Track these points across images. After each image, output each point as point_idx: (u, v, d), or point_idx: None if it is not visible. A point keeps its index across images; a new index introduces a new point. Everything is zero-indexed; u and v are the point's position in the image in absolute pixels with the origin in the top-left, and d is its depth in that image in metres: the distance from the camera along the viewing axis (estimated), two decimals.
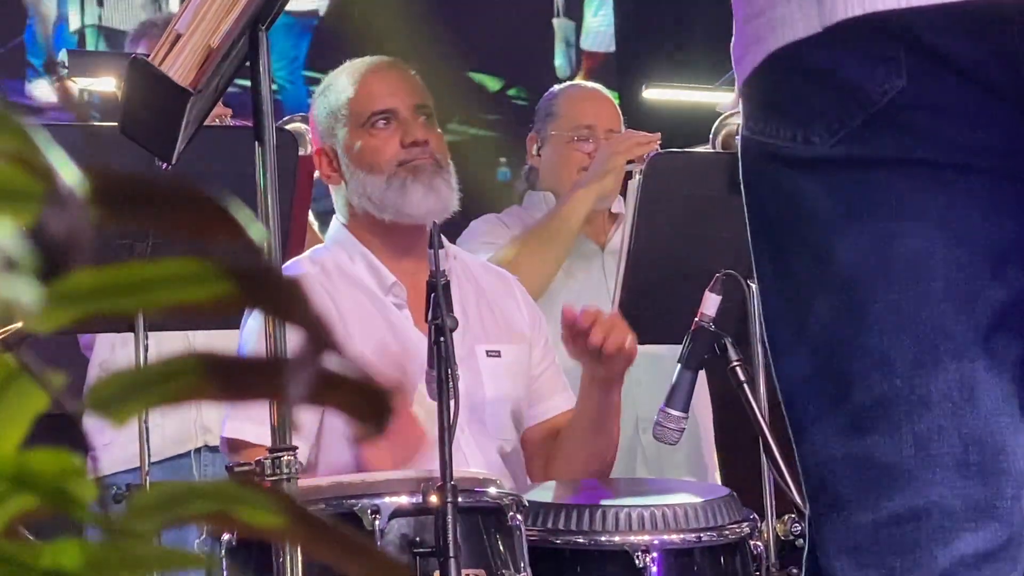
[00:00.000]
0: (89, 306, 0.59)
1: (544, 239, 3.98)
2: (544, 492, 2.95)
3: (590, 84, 4.73)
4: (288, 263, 3.28)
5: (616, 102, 4.55)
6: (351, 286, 3.20)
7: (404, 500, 2.56)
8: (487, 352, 3.22)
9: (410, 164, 3.19)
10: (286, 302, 0.63)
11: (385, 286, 3.17)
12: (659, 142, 4.07)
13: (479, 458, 3.06)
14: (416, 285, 2.99)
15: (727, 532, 2.82)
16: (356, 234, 3.25)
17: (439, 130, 3.35)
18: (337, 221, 3.32)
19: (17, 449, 0.60)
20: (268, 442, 2.93)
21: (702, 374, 3.30)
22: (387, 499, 2.56)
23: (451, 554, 2.50)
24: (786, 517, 3.05)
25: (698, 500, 2.83)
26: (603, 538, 2.74)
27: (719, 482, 4.10)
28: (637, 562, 2.70)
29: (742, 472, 4.24)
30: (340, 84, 3.31)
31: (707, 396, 4.12)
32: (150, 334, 3.20)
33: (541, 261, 3.88)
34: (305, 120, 4.18)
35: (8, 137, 0.57)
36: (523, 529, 2.64)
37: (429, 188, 3.17)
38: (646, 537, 2.74)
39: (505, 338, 3.27)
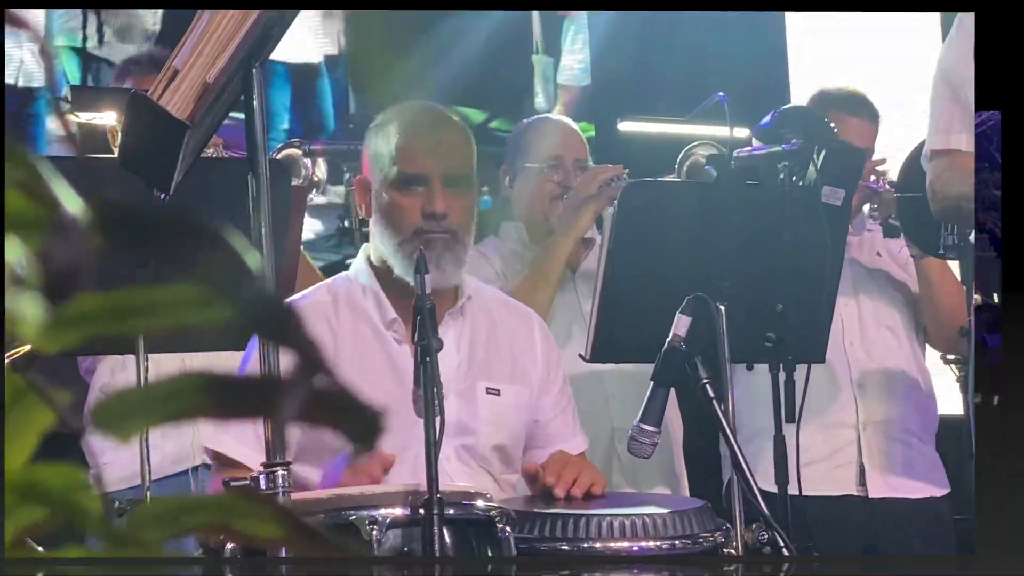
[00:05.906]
0: (93, 329, 0.59)
1: (535, 282, 4.04)
2: (528, 502, 2.95)
3: (556, 117, 4.77)
4: (308, 289, 3.30)
5: (592, 134, 4.57)
6: (356, 317, 3.20)
7: (399, 512, 2.58)
8: (487, 389, 3.21)
9: (425, 236, 3.13)
10: (281, 326, 0.63)
11: (386, 321, 3.18)
12: (624, 172, 4.12)
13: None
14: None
15: (701, 540, 2.83)
16: (375, 268, 3.25)
17: (473, 190, 3.24)
18: (363, 251, 3.30)
19: (27, 463, 0.60)
20: (247, 461, 2.93)
21: (672, 390, 3.31)
22: (383, 511, 2.57)
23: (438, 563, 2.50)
24: (754, 525, 3.05)
25: (675, 510, 2.85)
26: (585, 544, 2.75)
27: (687, 490, 4.13)
28: (618, 568, 2.72)
29: (708, 482, 4.27)
30: (390, 129, 3.23)
31: (677, 411, 4.15)
32: (148, 357, 3.21)
33: (536, 302, 3.89)
34: (298, 147, 4.18)
35: (17, 169, 0.57)
36: (512, 540, 2.64)
37: (436, 265, 3.05)
38: (626, 544, 2.75)
39: (508, 378, 3.25)
